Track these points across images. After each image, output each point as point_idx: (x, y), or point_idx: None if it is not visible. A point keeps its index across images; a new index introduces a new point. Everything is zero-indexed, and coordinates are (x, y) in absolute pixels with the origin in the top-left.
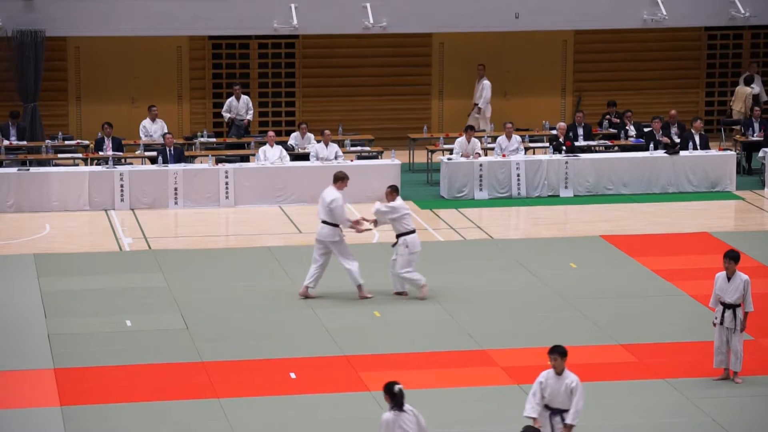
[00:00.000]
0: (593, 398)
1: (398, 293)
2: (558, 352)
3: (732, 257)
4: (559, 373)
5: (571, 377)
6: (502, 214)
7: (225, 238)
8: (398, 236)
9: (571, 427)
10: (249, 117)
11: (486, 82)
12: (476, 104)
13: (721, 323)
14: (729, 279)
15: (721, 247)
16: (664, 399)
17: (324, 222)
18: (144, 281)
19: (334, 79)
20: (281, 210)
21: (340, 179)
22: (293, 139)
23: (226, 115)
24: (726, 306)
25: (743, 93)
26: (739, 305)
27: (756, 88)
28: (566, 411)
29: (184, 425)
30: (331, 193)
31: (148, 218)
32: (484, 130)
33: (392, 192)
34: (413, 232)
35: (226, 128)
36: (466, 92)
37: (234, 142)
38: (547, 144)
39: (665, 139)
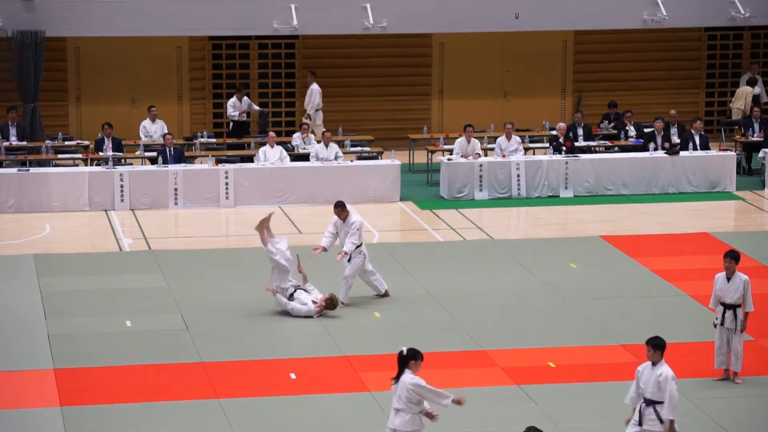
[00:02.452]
0: (593, 398)
1: (379, 295)
2: (651, 344)
3: (733, 257)
4: (654, 364)
5: (661, 369)
6: (502, 215)
7: (225, 238)
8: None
9: (671, 421)
10: (255, 107)
11: (315, 87)
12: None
13: (722, 324)
14: (729, 279)
15: (721, 247)
16: None
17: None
18: (144, 281)
19: (334, 80)
20: (281, 210)
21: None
22: (297, 139)
23: (235, 114)
24: (726, 306)
25: (744, 92)
26: (739, 305)
27: (757, 89)
28: (657, 402)
29: (184, 425)
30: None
31: (148, 218)
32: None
33: (342, 209)
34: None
35: (226, 128)
36: (466, 92)
37: (234, 143)
38: (547, 144)
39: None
